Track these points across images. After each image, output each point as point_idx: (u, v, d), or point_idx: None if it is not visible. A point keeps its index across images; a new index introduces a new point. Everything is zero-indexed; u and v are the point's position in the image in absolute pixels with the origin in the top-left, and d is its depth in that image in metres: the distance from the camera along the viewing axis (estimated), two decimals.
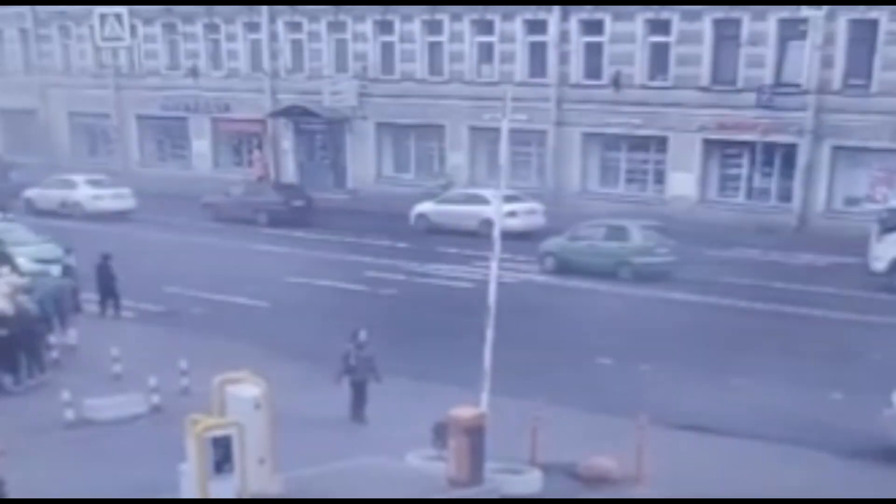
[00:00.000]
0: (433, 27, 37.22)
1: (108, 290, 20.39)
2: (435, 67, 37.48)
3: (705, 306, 21.99)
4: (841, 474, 12.72)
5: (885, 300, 21.92)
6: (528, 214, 29.98)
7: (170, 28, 43.92)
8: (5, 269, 17.49)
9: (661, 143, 33.60)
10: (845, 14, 29.67)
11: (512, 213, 27.96)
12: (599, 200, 34.27)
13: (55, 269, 19.97)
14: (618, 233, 25.13)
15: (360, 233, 30.62)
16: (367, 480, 11.49)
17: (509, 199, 27.17)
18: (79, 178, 34.90)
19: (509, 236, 26.05)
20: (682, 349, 18.21)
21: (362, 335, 14.37)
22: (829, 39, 29.97)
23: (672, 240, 24.99)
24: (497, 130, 13.62)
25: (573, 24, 34.22)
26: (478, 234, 27.13)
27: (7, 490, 10.26)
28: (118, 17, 40.62)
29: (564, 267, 24.98)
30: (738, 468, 12.90)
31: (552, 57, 34.70)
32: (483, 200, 29.58)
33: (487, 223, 24.66)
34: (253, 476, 10.50)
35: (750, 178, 32.17)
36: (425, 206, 31.88)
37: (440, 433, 11.90)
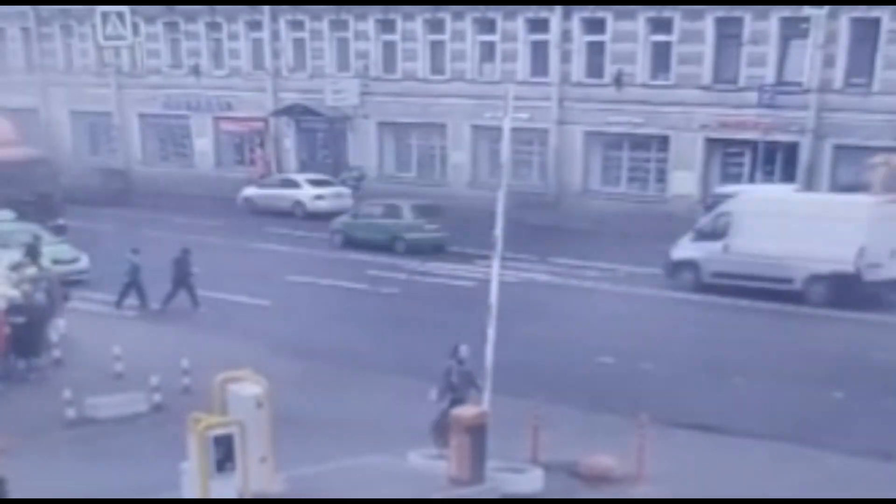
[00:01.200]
0: (435, 26, 37.20)
1: (182, 282, 21.34)
2: (437, 66, 37.47)
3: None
4: (841, 473, 12.70)
5: (888, 299, 21.88)
6: (335, 197, 34.12)
7: (172, 27, 43.91)
8: (26, 260, 18.30)
9: (663, 142, 33.57)
10: (847, 13, 29.64)
11: (319, 197, 33.98)
12: (601, 199, 34.28)
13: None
14: (392, 211, 28.81)
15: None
16: (368, 479, 11.51)
17: (319, 183, 34.97)
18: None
19: (319, 217, 31.57)
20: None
21: (463, 350, 13.14)
22: (830, 38, 29.94)
23: (442, 218, 28.53)
24: (499, 129, 13.62)
25: (575, 23, 34.19)
26: (293, 214, 33.64)
27: (8, 489, 10.26)
28: (120, 15, 40.64)
29: (349, 242, 28.43)
30: (739, 467, 12.90)
31: (554, 56, 34.68)
32: (296, 185, 35.16)
33: (299, 204, 34.00)
34: (254, 475, 10.51)
35: (752, 177, 32.09)
36: (250, 191, 36.20)
37: (441, 432, 11.92)
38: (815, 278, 21.80)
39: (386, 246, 27.69)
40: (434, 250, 27.53)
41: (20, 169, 27.36)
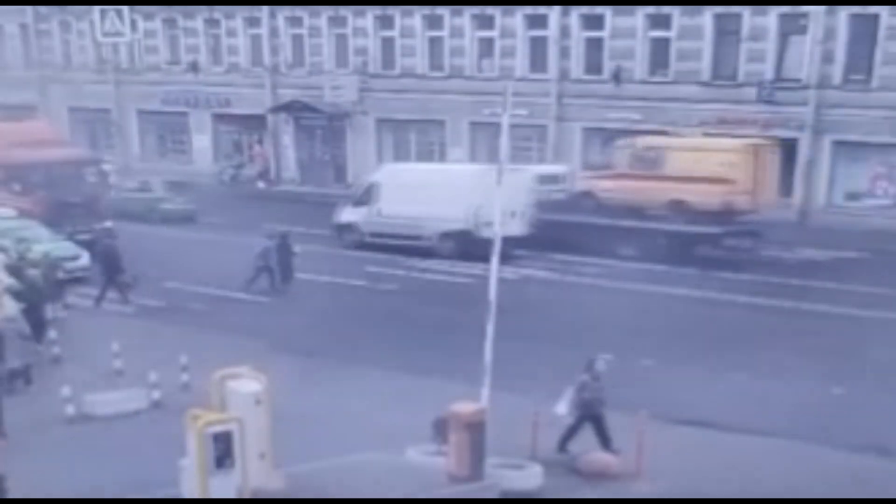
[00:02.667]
0: (433, 22, 37.18)
1: (285, 266, 22.71)
2: (435, 63, 37.45)
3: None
4: (842, 469, 12.70)
5: (887, 295, 21.91)
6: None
7: (170, 23, 43.88)
8: (22, 247, 20.19)
9: None
10: (846, 9, 29.63)
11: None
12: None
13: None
14: (145, 186, 34.42)
15: None
16: (367, 476, 11.50)
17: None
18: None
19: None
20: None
21: (600, 365, 12.88)
22: (829, 34, 29.94)
23: (191, 193, 33.54)
24: (497, 125, 13.62)
25: (574, 19, 34.17)
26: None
27: (8, 486, 10.26)
28: (118, 12, 40.58)
29: (120, 215, 28.70)
30: (739, 463, 12.91)
31: (553, 52, 34.66)
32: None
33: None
34: (253, 471, 10.51)
35: None
36: None
37: (440, 429, 11.91)
38: (444, 235, 26.29)
39: (142, 217, 31.02)
40: (184, 220, 31.91)
41: (66, 170, 27.41)
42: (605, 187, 28.00)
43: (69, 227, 25.22)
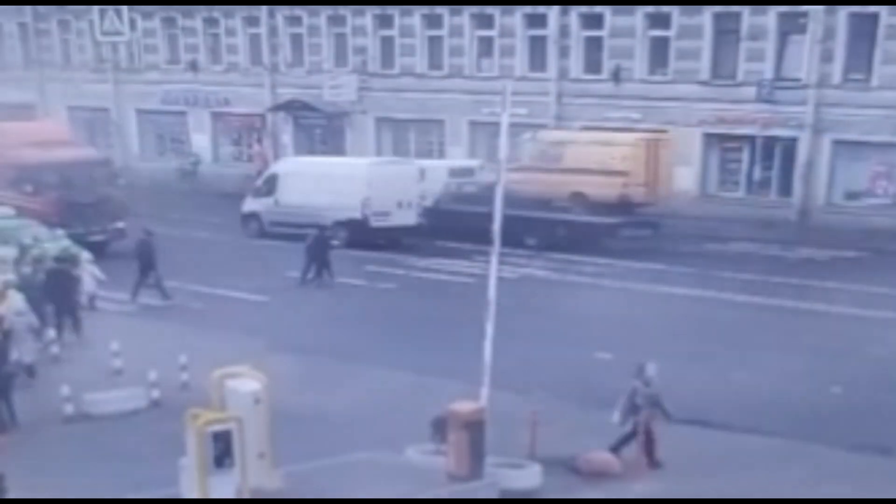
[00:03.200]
0: (433, 21, 37.16)
1: (322, 261, 23.18)
2: (434, 62, 37.44)
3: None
4: (841, 468, 12.70)
5: (887, 294, 21.91)
6: None
7: (169, 22, 43.87)
8: (28, 244, 20.62)
9: None
10: (845, 8, 29.62)
11: None
12: None
13: None
14: None
15: None
16: (366, 475, 11.49)
17: None
18: None
19: None
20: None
21: (650, 370, 12.67)
22: (829, 33, 29.93)
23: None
24: (497, 125, 13.61)
25: (573, 18, 34.16)
26: None
27: (6, 485, 10.25)
28: (117, 11, 40.57)
29: None
30: (738, 462, 12.90)
31: (552, 51, 34.65)
32: None
33: None
34: (253, 471, 10.49)
35: (750, 173, 32.15)
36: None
37: (439, 428, 11.90)
38: (338, 224, 27.01)
39: None
40: None
41: (79, 170, 27.28)
42: (512, 179, 27.92)
43: (81, 228, 25.19)
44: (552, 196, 28.07)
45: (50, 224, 23.77)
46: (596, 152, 28.38)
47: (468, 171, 31.63)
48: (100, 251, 25.09)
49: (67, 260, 19.33)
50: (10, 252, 20.56)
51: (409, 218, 27.90)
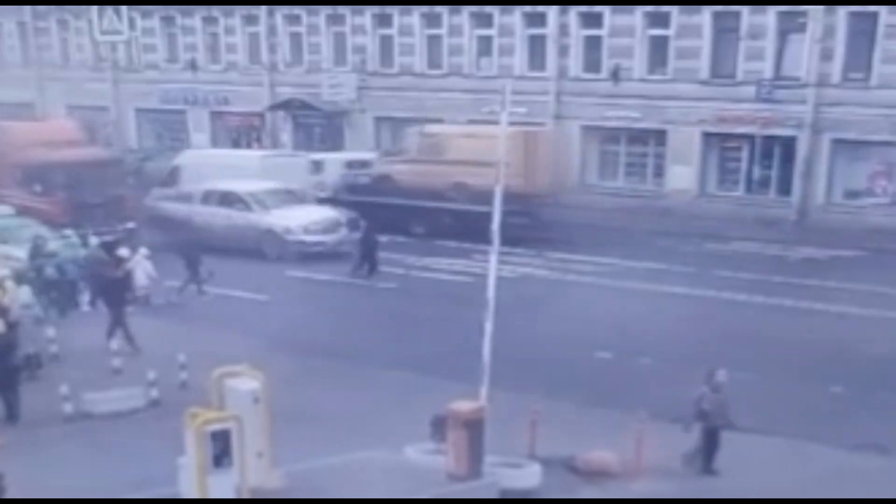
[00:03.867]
0: (432, 20, 37.15)
1: (368, 254, 23.94)
2: (434, 61, 37.43)
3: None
4: (841, 468, 12.69)
5: (887, 294, 21.90)
6: None
7: (168, 21, 43.86)
8: (42, 239, 21.21)
9: (661, 137, 33.55)
10: (845, 7, 29.61)
11: None
12: (598, 194, 34.26)
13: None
14: None
15: None
16: (365, 474, 11.47)
17: None
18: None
19: None
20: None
21: (720, 376, 12.43)
22: (828, 32, 29.92)
23: None
24: (496, 124, 13.58)
25: (572, 17, 34.15)
26: None
27: (6, 484, 10.24)
28: (116, 10, 40.54)
29: None
30: (737, 461, 12.88)
31: (551, 50, 34.64)
32: None
33: None
34: (252, 470, 10.48)
35: (749, 172, 32.15)
36: None
37: (439, 427, 11.88)
38: None
39: None
40: None
41: (89, 170, 27.21)
42: (399, 171, 31.13)
43: (91, 228, 25.18)
44: (435, 186, 29.66)
45: (59, 224, 23.78)
46: (476, 144, 28.86)
47: (364, 164, 33.53)
48: (108, 252, 25.09)
49: (105, 262, 19.42)
50: (11, 250, 20.60)
51: None
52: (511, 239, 27.04)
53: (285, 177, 29.14)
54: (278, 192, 27.36)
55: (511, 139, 29.09)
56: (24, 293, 17.19)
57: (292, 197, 27.59)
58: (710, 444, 12.45)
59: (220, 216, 26.29)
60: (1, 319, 14.89)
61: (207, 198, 27.04)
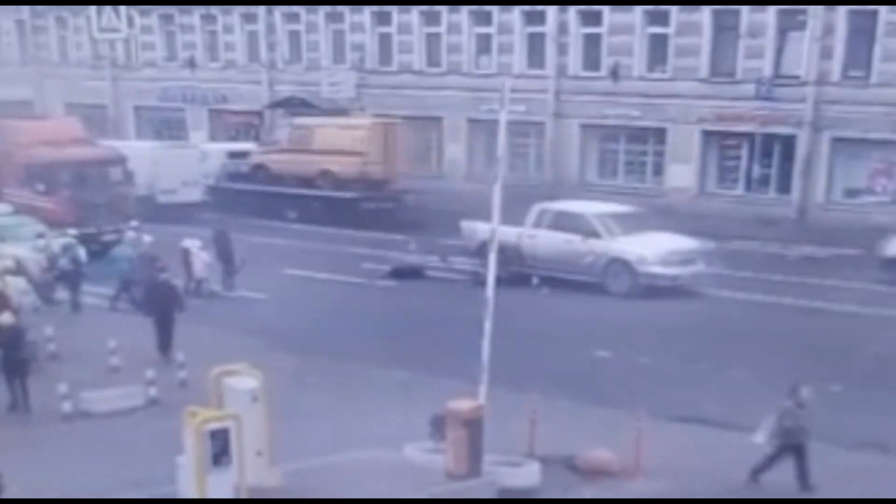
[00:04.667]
0: (431, 18, 37.10)
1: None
2: (433, 59, 37.39)
3: None
4: (841, 466, 12.66)
5: (888, 292, 21.88)
6: None
7: (167, 19, 43.81)
8: (51, 234, 22.18)
9: (660, 135, 33.51)
10: (845, 5, 29.55)
11: None
12: (598, 192, 34.06)
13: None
14: None
15: None
16: (364, 473, 11.46)
17: None
18: None
19: None
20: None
21: (805, 392, 11.95)
22: (828, 30, 29.87)
23: None
24: (495, 122, 13.57)
25: (571, 16, 34.10)
26: None
27: (5, 482, 10.21)
28: (115, 8, 40.47)
29: None
30: (737, 460, 12.85)
31: (550, 48, 34.59)
32: None
33: None
34: (251, 469, 10.46)
35: (749, 170, 32.10)
36: None
37: (438, 426, 11.86)
38: (139, 199, 28.31)
39: None
40: None
41: (93, 169, 27.19)
42: (273, 160, 33.27)
43: (94, 227, 25.17)
44: (305, 174, 32.02)
45: (63, 224, 23.77)
46: (339, 135, 31.75)
47: (244, 154, 35.29)
48: (110, 251, 25.13)
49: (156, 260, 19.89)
50: (10, 249, 20.64)
51: (193, 195, 31.62)
52: (375, 223, 29.88)
53: (177, 167, 31.22)
54: (627, 215, 23.70)
55: (370, 130, 31.87)
56: (21, 282, 17.47)
57: (641, 221, 23.68)
58: (774, 459, 11.98)
59: (554, 241, 22.64)
60: (8, 311, 15.26)
61: (541, 218, 23.34)
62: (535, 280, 22.30)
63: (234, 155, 35.32)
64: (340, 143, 31.44)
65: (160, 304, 17.23)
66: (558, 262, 22.37)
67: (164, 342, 16.96)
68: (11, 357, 14.56)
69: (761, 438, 12.00)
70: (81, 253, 21.64)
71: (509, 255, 21.10)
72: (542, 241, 22.76)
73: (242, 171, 33.98)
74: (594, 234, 22.34)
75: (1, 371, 14.69)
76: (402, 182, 32.45)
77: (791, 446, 11.87)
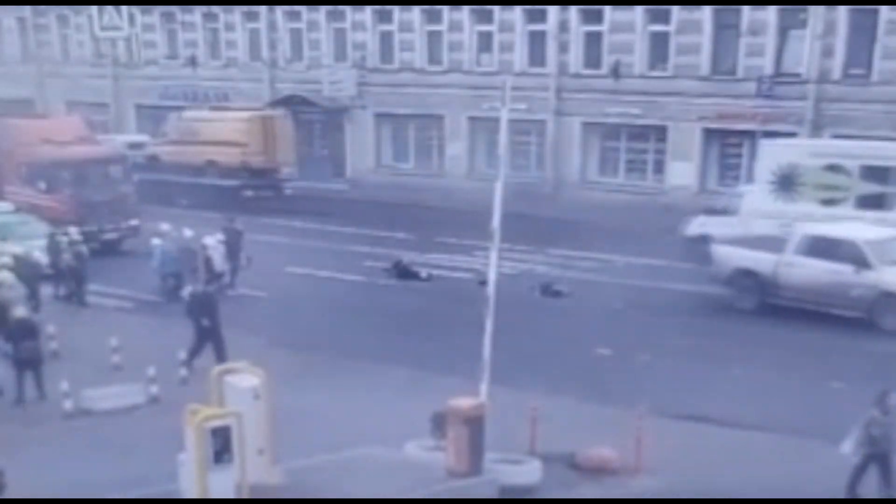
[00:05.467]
0: (432, 16, 37.09)
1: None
2: (434, 57, 37.37)
3: None
4: (841, 465, 12.65)
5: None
6: None
7: (168, 17, 43.80)
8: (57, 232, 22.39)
9: (661, 133, 33.50)
10: (845, 4, 29.53)
11: None
12: (598, 190, 34.21)
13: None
14: None
15: None
16: (365, 471, 11.48)
17: None
18: None
19: None
20: None
21: (893, 399, 11.59)
22: (829, 28, 29.86)
23: None
24: (496, 120, 13.57)
25: (572, 14, 34.08)
26: None
27: (6, 480, 10.23)
28: (116, 6, 40.46)
29: None
30: (737, 458, 12.88)
31: (551, 46, 34.58)
32: None
33: None
34: (252, 467, 10.48)
35: (750, 168, 32.04)
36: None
37: (439, 423, 11.88)
38: None
39: None
40: None
41: (93, 168, 27.18)
42: (165, 151, 35.48)
43: (95, 226, 25.18)
44: (193, 164, 33.96)
45: (64, 222, 23.80)
46: (222, 127, 33.77)
47: (141, 145, 37.17)
48: (112, 249, 25.19)
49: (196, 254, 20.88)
50: (9, 247, 20.66)
51: None
52: (256, 209, 30.96)
53: None
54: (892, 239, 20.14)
55: (250, 122, 33.66)
56: (7, 276, 17.72)
57: None
58: (862, 469, 11.67)
59: (818, 271, 19.73)
60: (21, 306, 16.13)
61: (803, 245, 20.25)
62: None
63: (132, 146, 36.42)
64: (223, 134, 33.52)
65: (202, 314, 16.64)
66: (821, 295, 19.64)
67: (220, 354, 15.82)
68: (24, 349, 14.87)
69: (848, 448, 11.70)
70: (85, 249, 21.72)
71: (764, 283, 20.05)
72: (803, 270, 19.95)
73: (138, 163, 34.52)
74: (865, 265, 19.35)
75: (13, 364, 14.96)
76: (283, 171, 34.97)
77: (878, 455, 11.58)
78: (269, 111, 35.73)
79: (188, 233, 22.27)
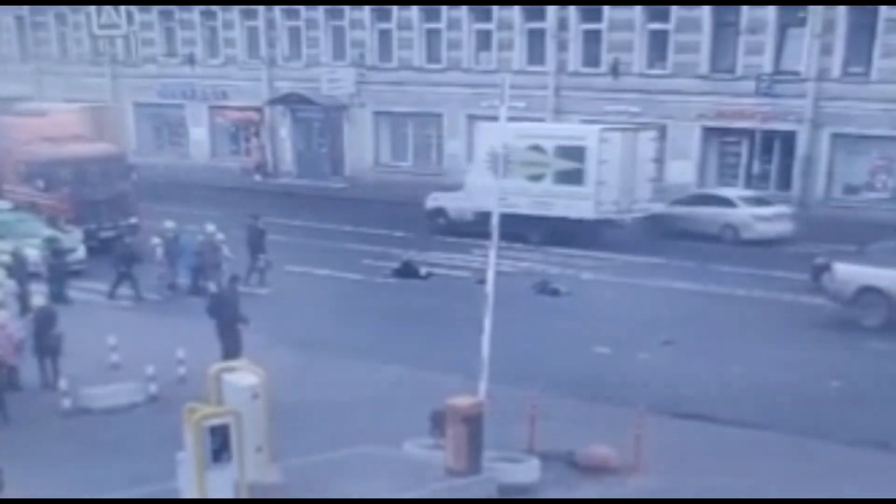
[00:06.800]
0: (431, 14, 37.05)
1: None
2: (433, 55, 37.34)
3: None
4: (841, 463, 12.67)
5: None
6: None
7: (166, 15, 43.75)
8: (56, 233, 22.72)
9: (660, 131, 33.36)
10: (844, 4, 29.53)
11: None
12: None
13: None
14: None
15: None
16: (364, 469, 11.46)
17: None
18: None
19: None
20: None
21: None
22: (828, 27, 29.85)
23: None
24: (495, 118, 13.56)
25: (571, 11, 34.06)
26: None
27: (4, 478, 10.22)
28: (114, 4, 40.45)
29: None
30: (737, 457, 12.87)
31: (550, 44, 34.56)
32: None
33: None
34: (251, 465, 10.47)
35: (749, 166, 32.08)
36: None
37: (438, 422, 11.87)
38: None
39: None
40: None
41: (94, 166, 27.07)
42: None
43: (94, 224, 25.14)
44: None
45: (64, 220, 23.74)
46: (53, 122, 30.49)
47: None
48: (110, 247, 25.08)
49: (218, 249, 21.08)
50: (7, 246, 20.67)
51: None
52: None
53: None
54: None
55: (81, 115, 31.87)
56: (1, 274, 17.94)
57: None
58: None
59: None
60: (40, 295, 17.11)
61: None
62: None
63: None
64: (44, 129, 31.17)
65: (225, 312, 16.27)
66: None
67: (229, 353, 15.37)
68: (48, 337, 15.49)
69: None
70: (69, 245, 21.83)
71: (891, 300, 18.91)
72: None
73: None
74: None
75: (34, 351, 15.44)
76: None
77: None
78: (103, 104, 35.62)
79: (210, 227, 22.18)
